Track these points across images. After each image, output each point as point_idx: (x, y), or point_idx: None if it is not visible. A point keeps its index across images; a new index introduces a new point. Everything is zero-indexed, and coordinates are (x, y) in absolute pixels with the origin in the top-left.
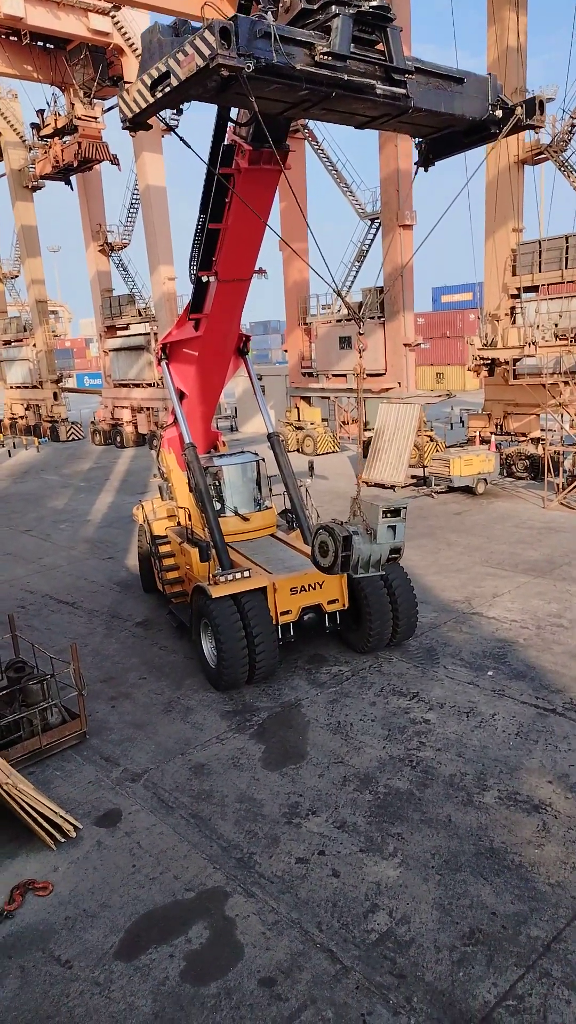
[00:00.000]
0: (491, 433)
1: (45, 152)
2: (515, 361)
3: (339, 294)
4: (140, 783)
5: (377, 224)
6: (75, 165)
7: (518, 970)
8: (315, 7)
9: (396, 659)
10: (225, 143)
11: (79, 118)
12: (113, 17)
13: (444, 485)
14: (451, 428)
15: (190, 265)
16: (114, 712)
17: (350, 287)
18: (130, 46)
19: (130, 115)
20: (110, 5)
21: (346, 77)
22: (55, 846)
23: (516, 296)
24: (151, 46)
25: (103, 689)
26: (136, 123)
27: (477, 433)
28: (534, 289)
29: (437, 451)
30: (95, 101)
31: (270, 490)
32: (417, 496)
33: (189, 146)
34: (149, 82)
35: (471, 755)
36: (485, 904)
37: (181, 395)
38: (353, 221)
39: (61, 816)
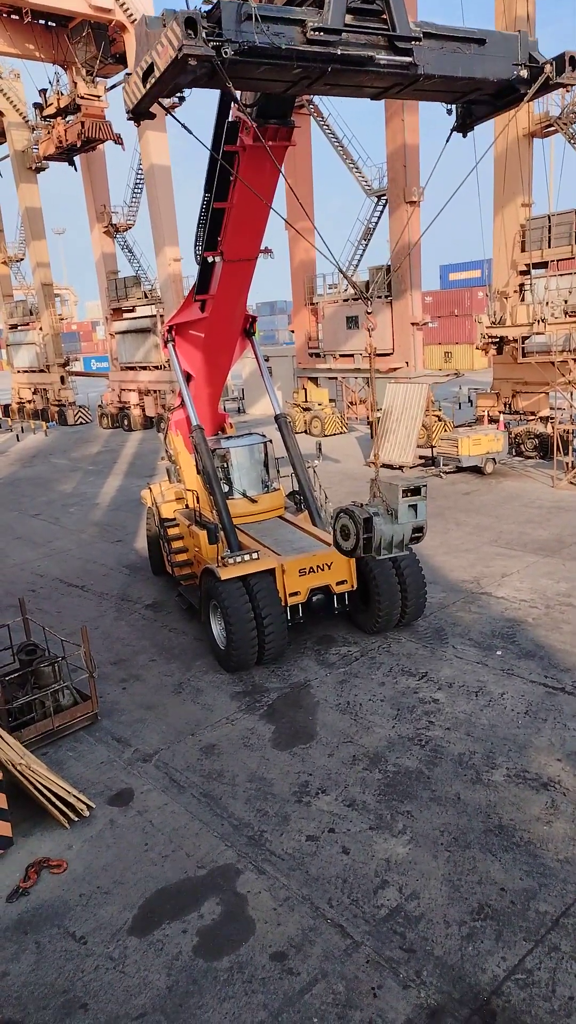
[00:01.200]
0: (500, 412)
1: (48, 132)
2: (524, 339)
3: (345, 275)
4: (151, 763)
5: (384, 201)
6: (78, 145)
7: (527, 944)
8: None
9: (405, 639)
10: (229, 120)
11: (82, 97)
12: None
13: (453, 465)
14: (459, 408)
15: (195, 245)
16: (125, 694)
17: (357, 266)
18: (132, 22)
19: (131, 106)
20: None
21: (339, 52)
22: (69, 825)
23: (525, 273)
24: (142, 38)
25: (114, 671)
26: (138, 113)
27: (486, 412)
28: (543, 265)
29: (445, 431)
30: (98, 79)
31: (278, 472)
32: (425, 476)
33: (191, 132)
34: (141, 74)
35: (480, 734)
36: (494, 880)
37: (188, 377)
38: (360, 198)
39: (74, 795)
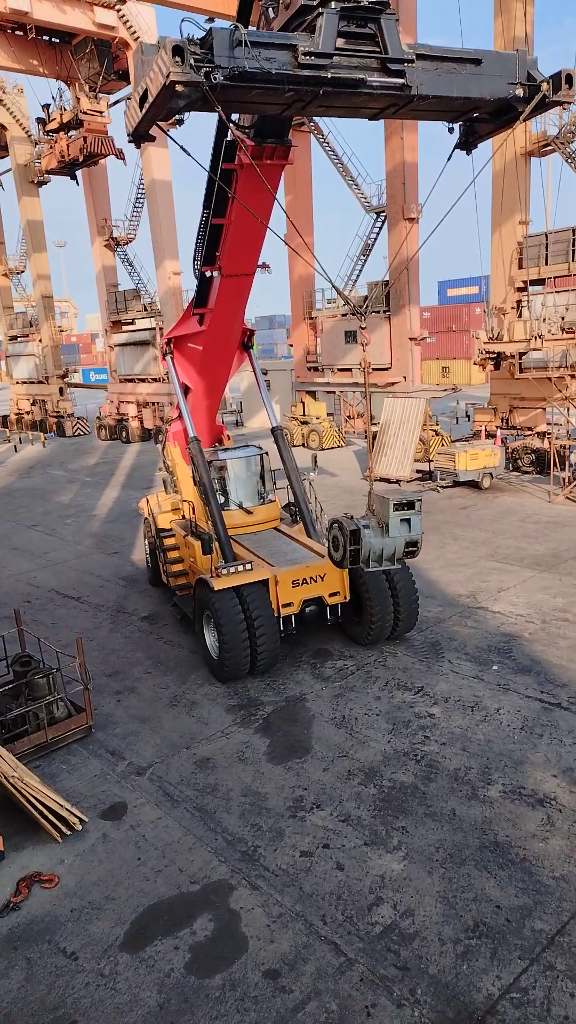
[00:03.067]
0: (497, 427)
1: (51, 147)
2: (521, 355)
3: (340, 292)
4: (145, 776)
5: (383, 218)
6: (80, 160)
7: (522, 963)
8: (315, 3)
9: (401, 653)
10: (228, 139)
11: (84, 112)
12: (118, 11)
13: (450, 479)
14: (456, 422)
15: (194, 260)
16: (120, 706)
17: (355, 281)
18: (135, 39)
19: (130, 130)
20: None
21: (330, 75)
22: (61, 839)
23: (522, 289)
24: (139, 65)
25: (109, 683)
26: (137, 136)
27: (483, 427)
28: (541, 282)
29: (443, 445)
30: (100, 95)
31: (274, 484)
32: (423, 491)
33: (189, 154)
34: (138, 99)
35: (476, 749)
36: (489, 897)
37: (186, 389)
38: (359, 213)
39: (67, 809)
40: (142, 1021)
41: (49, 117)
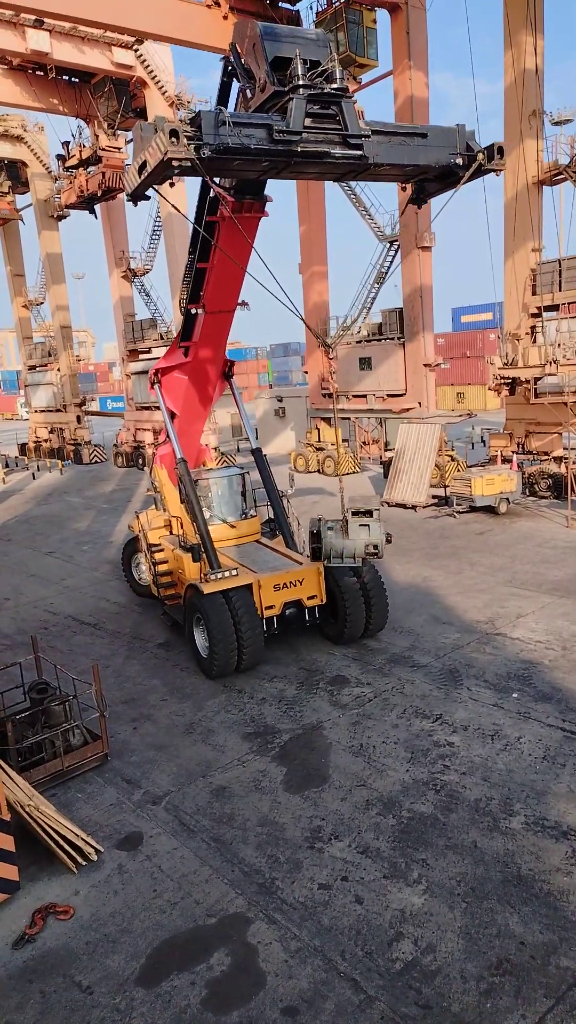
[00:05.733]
0: (513, 452)
1: (70, 183)
2: (536, 380)
3: (309, 327)
4: (161, 806)
5: (396, 246)
6: (99, 194)
7: (547, 1001)
8: (286, 89)
9: (419, 680)
10: (211, 195)
11: (103, 149)
12: (136, 51)
13: (466, 505)
14: (472, 448)
15: (180, 300)
16: (136, 734)
17: (370, 309)
18: (152, 78)
19: (130, 191)
20: (133, 39)
21: (300, 149)
22: (76, 869)
23: (536, 315)
24: (137, 140)
25: (125, 710)
26: (135, 196)
27: (499, 452)
28: (555, 308)
29: (458, 471)
30: (118, 132)
31: (254, 501)
32: (439, 516)
33: (180, 211)
34: (137, 167)
35: (496, 779)
36: (513, 933)
37: (172, 415)
38: (373, 242)
39: (83, 839)
40: None
41: (69, 154)
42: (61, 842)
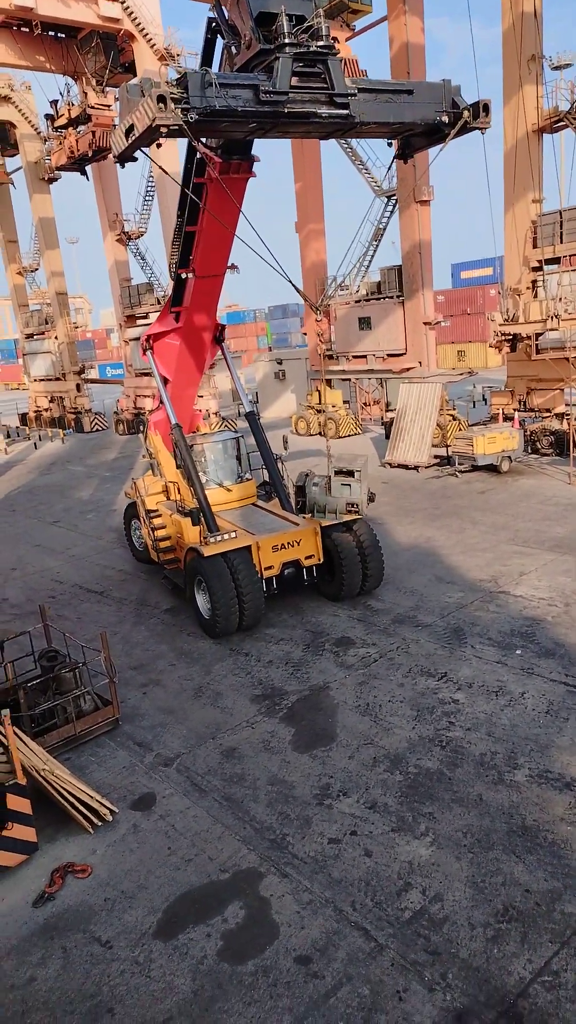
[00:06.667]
0: (514, 410)
1: (60, 143)
2: (538, 336)
3: (298, 290)
4: (173, 767)
5: (394, 201)
6: (90, 155)
7: (553, 946)
8: (272, 47)
9: (423, 639)
10: (199, 156)
11: (92, 107)
12: (123, 3)
13: (468, 464)
14: (474, 406)
15: (170, 265)
16: (145, 698)
17: (367, 267)
18: (140, 31)
19: (117, 154)
20: None
21: (286, 110)
22: (92, 830)
23: (538, 269)
24: (123, 101)
25: (134, 676)
26: (122, 159)
27: (500, 410)
28: (556, 261)
29: (460, 430)
30: (107, 89)
31: (249, 464)
32: (441, 476)
33: (167, 172)
34: (124, 130)
35: (501, 734)
36: (518, 882)
37: (165, 381)
38: (370, 198)
39: (97, 800)
40: (177, 1008)
41: (58, 113)
42: (77, 804)
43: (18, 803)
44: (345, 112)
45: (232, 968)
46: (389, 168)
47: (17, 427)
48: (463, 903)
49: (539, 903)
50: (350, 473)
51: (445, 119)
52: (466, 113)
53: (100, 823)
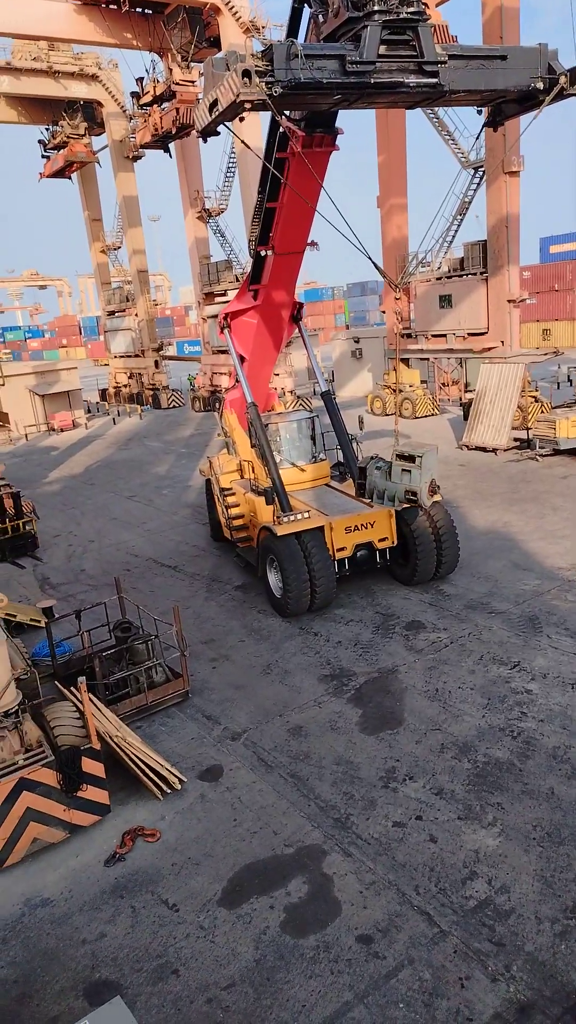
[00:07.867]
0: None
1: (145, 120)
2: None
3: (374, 263)
4: (240, 741)
5: (481, 173)
6: (173, 132)
7: None
8: (361, 15)
9: (497, 627)
10: (281, 130)
11: (177, 83)
12: None
13: (549, 448)
14: (558, 387)
15: (249, 242)
16: (215, 673)
17: (451, 242)
18: (226, 4)
19: (200, 128)
20: None
21: (373, 80)
22: (162, 797)
23: None
24: (209, 75)
25: (204, 650)
26: (206, 133)
27: None
28: None
29: (542, 412)
30: (192, 65)
31: (324, 444)
32: (520, 459)
33: (249, 147)
34: (208, 105)
35: None
36: None
37: (242, 359)
38: (455, 171)
39: (167, 769)
40: (239, 974)
41: (143, 90)
42: (147, 771)
43: (93, 767)
44: (434, 81)
45: (294, 941)
46: (477, 137)
47: (97, 402)
48: (531, 896)
49: None
50: (411, 459)
51: (540, 85)
52: (563, 79)
53: (169, 791)
